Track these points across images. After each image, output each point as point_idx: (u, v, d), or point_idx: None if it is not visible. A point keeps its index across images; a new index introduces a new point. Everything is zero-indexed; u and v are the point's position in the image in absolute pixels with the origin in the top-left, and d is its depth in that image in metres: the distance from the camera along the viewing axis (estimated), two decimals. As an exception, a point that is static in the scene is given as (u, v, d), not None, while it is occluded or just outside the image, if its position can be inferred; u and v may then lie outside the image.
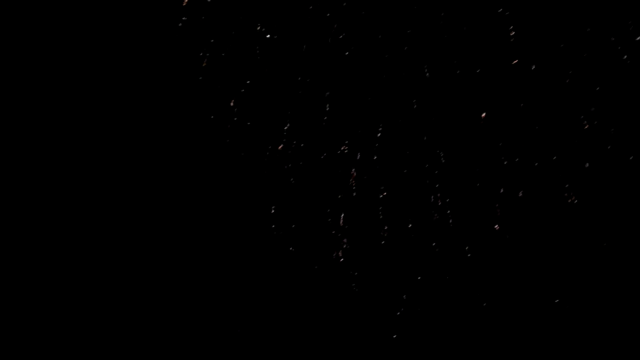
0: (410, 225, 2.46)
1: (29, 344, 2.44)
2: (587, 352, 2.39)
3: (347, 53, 2.45)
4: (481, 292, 2.44)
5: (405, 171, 2.44)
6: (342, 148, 2.48)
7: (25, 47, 2.46)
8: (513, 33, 2.30)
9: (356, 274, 2.51)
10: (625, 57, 2.33)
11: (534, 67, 2.36)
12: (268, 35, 2.49)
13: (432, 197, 2.45)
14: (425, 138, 2.43)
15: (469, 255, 2.42)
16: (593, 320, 2.38)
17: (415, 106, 2.45)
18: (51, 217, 2.46)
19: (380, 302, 2.49)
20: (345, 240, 2.50)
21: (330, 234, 2.51)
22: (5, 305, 2.44)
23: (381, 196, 2.49)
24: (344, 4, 2.45)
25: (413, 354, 2.47)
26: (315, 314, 2.51)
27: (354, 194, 2.49)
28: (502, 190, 2.40)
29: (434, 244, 2.44)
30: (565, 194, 2.35)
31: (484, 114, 2.38)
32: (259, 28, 2.50)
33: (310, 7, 2.46)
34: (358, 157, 2.48)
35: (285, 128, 2.47)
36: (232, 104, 2.45)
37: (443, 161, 2.44)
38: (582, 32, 2.34)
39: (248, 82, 2.48)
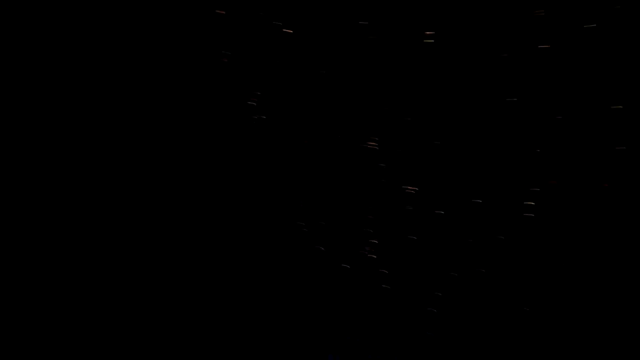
0: (441, 218, 2.40)
1: (29, 344, 2.41)
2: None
3: (368, 44, 2.41)
4: (519, 287, 2.38)
5: (435, 162, 2.38)
6: (370, 144, 2.43)
7: (37, 47, 2.44)
8: (542, 13, 2.24)
9: (386, 271, 2.47)
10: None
11: (559, 51, 2.31)
12: (290, 30, 2.45)
13: (463, 188, 2.40)
14: (452, 130, 2.38)
15: (503, 245, 2.36)
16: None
17: (441, 97, 2.40)
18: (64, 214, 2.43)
19: (413, 299, 2.44)
20: (374, 236, 2.45)
21: (359, 229, 2.46)
22: (5, 305, 2.41)
23: (412, 190, 2.44)
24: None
25: (449, 351, 2.42)
26: (346, 310, 2.46)
27: (383, 188, 2.45)
28: (534, 180, 2.35)
29: (468, 235, 2.38)
30: (599, 180, 2.29)
31: (515, 99, 2.33)
32: (279, 23, 2.47)
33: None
34: (385, 151, 2.43)
35: (310, 122, 2.43)
36: (255, 98, 2.42)
37: (472, 153, 2.39)
38: (610, 12, 2.29)
39: (269, 77, 2.44)
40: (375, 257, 2.46)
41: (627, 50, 2.30)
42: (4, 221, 2.41)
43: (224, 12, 2.32)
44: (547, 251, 2.36)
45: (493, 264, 2.39)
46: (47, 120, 2.42)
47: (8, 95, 2.39)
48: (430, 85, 2.43)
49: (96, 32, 2.42)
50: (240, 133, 2.44)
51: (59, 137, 2.42)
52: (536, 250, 2.36)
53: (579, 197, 2.33)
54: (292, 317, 2.47)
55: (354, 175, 2.47)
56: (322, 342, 2.46)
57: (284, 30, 2.42)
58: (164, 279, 2.46)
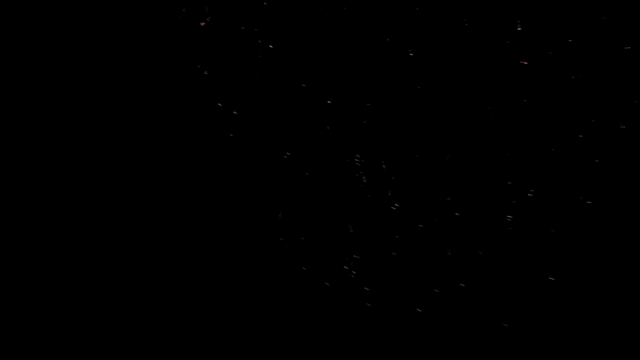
0: (421, 231, 2.39)
1: (29, 344, 2.39)
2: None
3: (350, 57, 2.41)
4: (499, 302, 2.35)
5: (413, 173, 2.37)
6: (354, 159, 2.43)
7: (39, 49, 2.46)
8: (520, 29, 2.25)
9: (368, 289, 2.44)
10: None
11: (541, 66, 2.32)
12: (271, 46, 2.47)
13: (442, 201, 2.39)
14: (430, 141, 2.37)
15: (482, 258, 2.34)
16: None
17: (422, 108, 2.40)
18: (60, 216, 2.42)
19: (395, 317, 2.41)
20: (355, 252, 2.43)
21: (340, 245, 2.44)
22: (5, 305, 2.40)
23: (393, 206, 2.43)
24: (346, 9, 2.43)
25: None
26: (328, 331, 2.43)
27: (365, 201, 2.43)
28: (513, 192, 2.33)
29: (447, 250, 2.36)
30: (578, 192, 2.28)
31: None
32: (260, 41, 2.48)
33: (309, 14, 2.44)
34: (365, 163, 2.43)
35: (291, 136, 2.43)
36: (235, 112, 2.42)
37: (451, 165, 2.38)
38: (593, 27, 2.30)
39: (252, 90, 2.45)
40: (355, 273, 2.44)
41: (609, 66, 2.31)
42: (3, 221, 2.41)
43: (203, 24, 2.34)
44: (528, 264, 2.34)
45: (473, 279, 2.37)
46: (38, 123, 2.43)
47: (8, 96, 2.41)
48: (412, 100, 2.44)
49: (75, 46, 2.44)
50: (220, 145, 2.44)
51: (48, 139, 2.43)
52: (516, 264, 2.34)
53: (557, 209, 2.31)
54: (273, 338, 2.45)
55: (337, 190, 2.46)
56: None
57: (265, 43, 2.43)
58: (139, 294, 2.44)
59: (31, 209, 2.42)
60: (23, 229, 2.42)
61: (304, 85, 2.44)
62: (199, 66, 2.43)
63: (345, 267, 2.45)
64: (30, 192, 2.42)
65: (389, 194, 2.42)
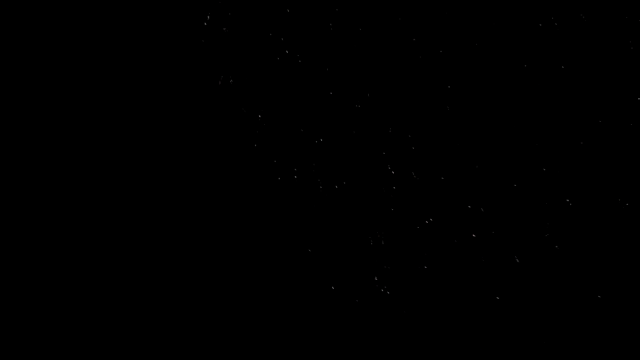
0: (454, 243, 2.31)
1: (29, 344, 2.35)
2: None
3: (379, 63, 2.37)
4: (536, 318, 2.27)
5: (442, 178, 2.31)
6: (388, 167, 2.37)
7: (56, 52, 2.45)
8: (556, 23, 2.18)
9: (401, 305, 2.37)
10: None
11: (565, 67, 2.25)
12: (299, 56, 2.43)
13: (474, 208, 2.32)
14: (458, 144, 2.31)
15: (518, 267, 2.26)
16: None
17: (452, 117, 2.35)
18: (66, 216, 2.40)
19: (426, 331, 2.34)
20: (386, 265, 2.36)
21: (370, 258, 2.37)
22: (6, 305, 2.36)
23: (424, 216, 2.36)
24: (372, 15, 2.38)
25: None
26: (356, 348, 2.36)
27: (393, 212, 2.37)
28: (549, 199, 2.26)
29: (482, 258, 2.28)
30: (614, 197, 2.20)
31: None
32: (287, 52, 2.44)
33: (332, 21, 2.40)
34: (393, 173, 2.37)
35: (317, 143, 2.37)
36: (259, 116, 2.38)
37: (482, 173, 2.32)
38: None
39: (278, 97, 2.41)
40: (385, 288, 2.37)
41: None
42: (3, 221, 2.39)
43: (225, 29, 2.30)
44: (567, 275, 2.26)
45: (508, 290, 2.29)
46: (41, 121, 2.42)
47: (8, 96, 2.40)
48: (441, 108, 2.39)
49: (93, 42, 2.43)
50: (246, 153, 2.40)
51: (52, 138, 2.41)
52: (556, 275, 2.26)
53: (596, 217, 2.23)
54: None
55: (366, 200, 2.40)
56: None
57: (292, 50, 2.40)
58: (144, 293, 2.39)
59: (32, 209, 2.40)
60: (23, 229, 2.39)
61: (331, 92, 2.39)
62: (223, 72, 2.40)
63: (375, 278, 2.38)
64: (35, 192, 2.40)
65: (418, 201, 2.36)
